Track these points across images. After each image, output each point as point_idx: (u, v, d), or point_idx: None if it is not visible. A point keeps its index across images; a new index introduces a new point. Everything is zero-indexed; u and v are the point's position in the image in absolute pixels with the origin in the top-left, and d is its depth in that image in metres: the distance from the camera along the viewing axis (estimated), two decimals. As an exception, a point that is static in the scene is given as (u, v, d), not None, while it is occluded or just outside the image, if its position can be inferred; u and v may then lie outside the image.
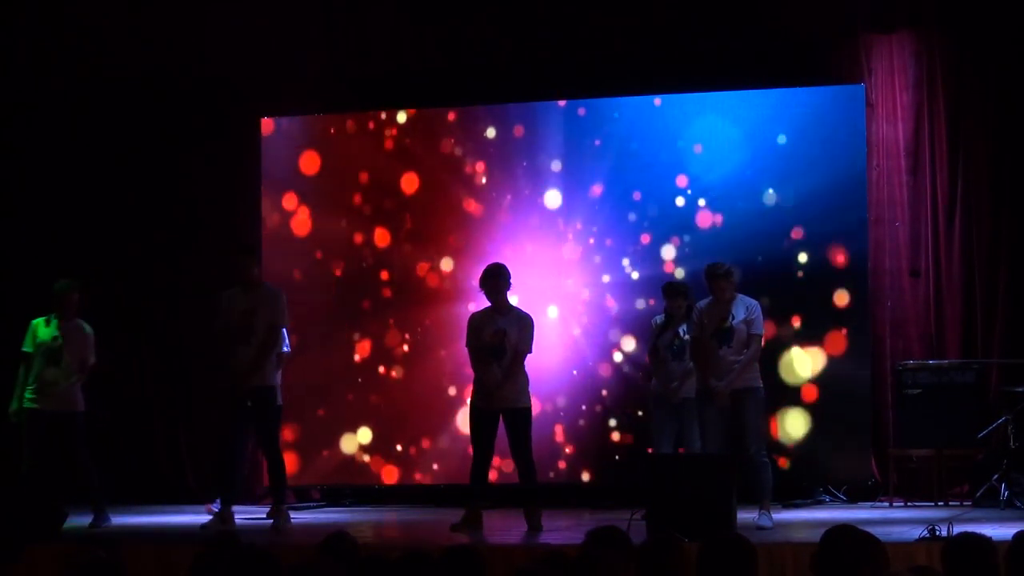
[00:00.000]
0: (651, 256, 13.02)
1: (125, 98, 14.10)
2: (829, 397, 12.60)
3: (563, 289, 13.19)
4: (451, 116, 13.62)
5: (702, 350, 10.42)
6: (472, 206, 13.47)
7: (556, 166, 13.31)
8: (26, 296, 12.88)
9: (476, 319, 10.83)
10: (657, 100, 13.17)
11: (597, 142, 13.24)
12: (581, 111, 13.31)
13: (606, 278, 13.11)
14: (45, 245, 14.03)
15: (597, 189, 13.19)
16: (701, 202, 12.94)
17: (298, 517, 11.50)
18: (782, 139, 12.82)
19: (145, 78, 13.94)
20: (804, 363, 12.62)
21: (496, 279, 10.74)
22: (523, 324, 10.72)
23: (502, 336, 10.62)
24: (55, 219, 14.13)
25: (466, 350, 10.92)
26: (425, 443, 13.40)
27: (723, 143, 12.96)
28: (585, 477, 13.12)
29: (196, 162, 14.01)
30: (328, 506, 13.23)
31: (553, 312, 13.12)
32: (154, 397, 13.97)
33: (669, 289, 11.51)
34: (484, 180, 13.46)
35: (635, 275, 13.04)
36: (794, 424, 12.62)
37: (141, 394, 13.98)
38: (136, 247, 14.08)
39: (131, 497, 13.26)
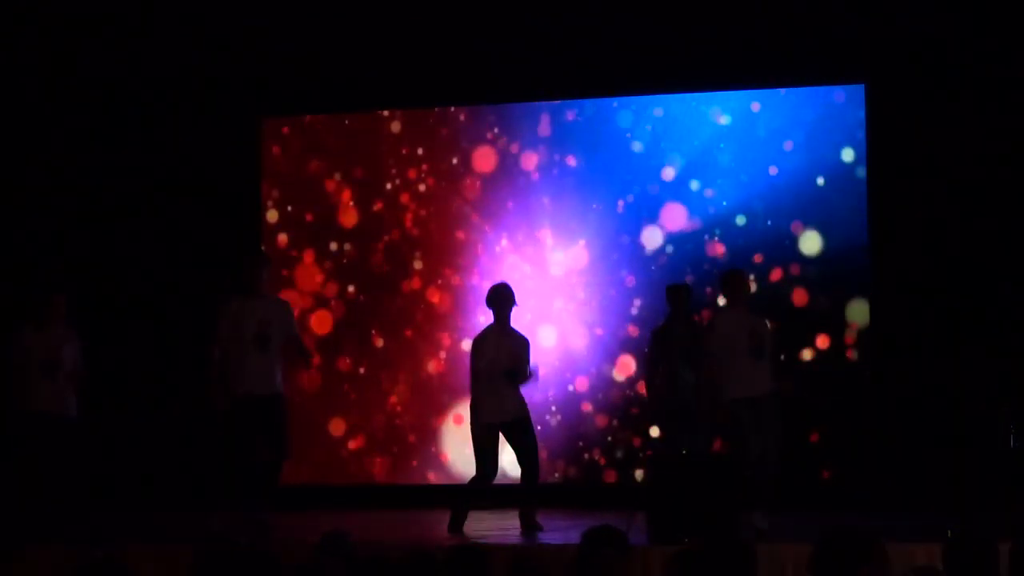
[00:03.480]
0: (647, 255, 13.03)
1: (124, 98, 14.10)
2: (829, 396, 12.61)
3: (574, 289, 13.21)
4: (459, 115, 13.63)
5: (734, 360, 10.34)
6: (478, 205, 13.48)
7: (556, 165, 13.34)
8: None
9: (487, 341, 10.90)
10: (655, 102, 13.22)
11: (594, 143, 13.25)
12: (575, 111, 13.34)
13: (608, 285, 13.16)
14: (41, 245, 14.02)
15: (597, 189, 13.21)
16: (707, 195, 12.98)
17: (296, 517, 11.48)
18: (782, 138, 12.84)
19: (145, 78, 13.92)
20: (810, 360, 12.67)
21: (509, 300, 10.91)
22: (525, 345, 11.00)
23: (514, 357, 10.82)
24: (52, 219, 14.11)
25: (470, 370, 10.99)
26: (423, 444, 13.42)
27: (725, 142, 12.97)
28: (574, 476, 13.15)
29: (195, 163, 14.01)
30: (326, 506, 13.19)
31: (560, 310, 13.15)
32: (153, 399, 13.96)
33: (675, 290, 11.53)
34: (488, 181, 13.49)
35: (631, 280, 13.09)
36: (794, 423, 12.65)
37: (140, 396, 13.97)
38: (134, 248, 14.06)
39: (130, 498, 13.27)
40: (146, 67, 13.83)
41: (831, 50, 12.78)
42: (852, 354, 12.63)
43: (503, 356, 10.84)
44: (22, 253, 14.03)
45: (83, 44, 13.86)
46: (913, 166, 12.70)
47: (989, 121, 12.56)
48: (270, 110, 13.94)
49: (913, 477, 12.26)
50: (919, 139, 12.69)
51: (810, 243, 12.76)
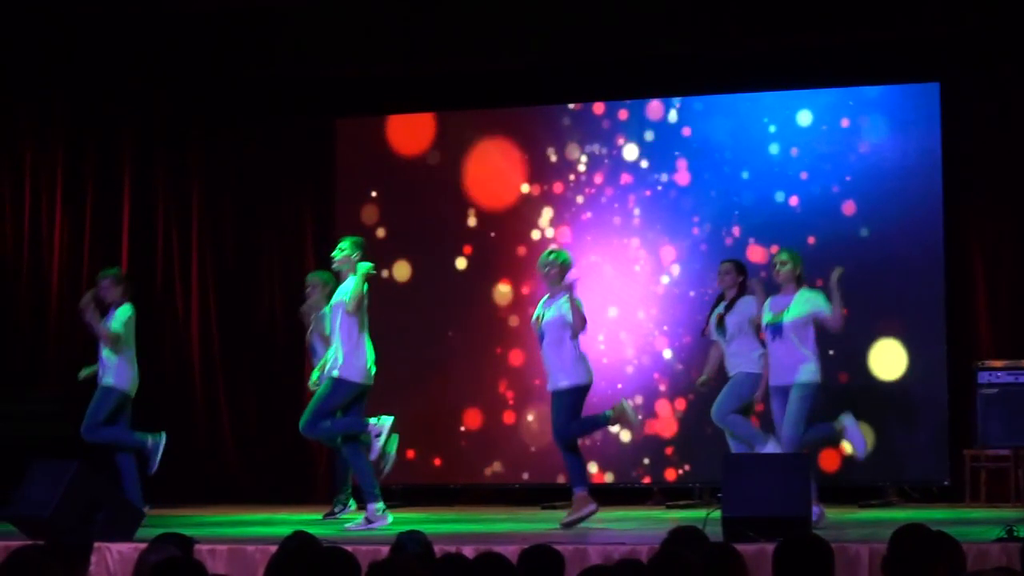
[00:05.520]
0: (718, 250, 12.96)
1: (199, 99, 14.24)
2: (904, 395, 12.55)
3: (635, 281, 13.23)
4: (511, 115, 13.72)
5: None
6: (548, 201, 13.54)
7: (627, 162, 13.35)
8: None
9: None
10: (732, 98, 13.21)
11: (654, 140, 13.27)
12: (649, 110, 13.34)
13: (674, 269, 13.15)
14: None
15: (664, 188, 13.21)
16: (779, 197, 12.93)
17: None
18: (856, 137, 12.80)
19: (220, 78, 14.01)
20: (882, 361, 12.60)
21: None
22: None
23: None
24: (120, 215, 14.27)
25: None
26: (491, 442, 13.47)
27: (795, 140, 12.94)
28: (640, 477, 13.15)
29: (270, 161, 14.16)
30: (402, 505, 13.24)
31: (614, 306, 13.17)
32: (218, 395, 14.10)
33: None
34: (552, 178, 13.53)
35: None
36: (868, 423, 12.59)
37: (212, 394, 14.12)
38: (207, 246, 14.22)
39: (199, 497, 13.40)
40: (227, 69, 13.85)
41: (905, 48, 12.71)
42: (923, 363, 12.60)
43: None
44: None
45: (141, 40, 13.77)
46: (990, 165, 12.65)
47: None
48: (344, 111, 14.02)
49: (987, 476, 12.18)
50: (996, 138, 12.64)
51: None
